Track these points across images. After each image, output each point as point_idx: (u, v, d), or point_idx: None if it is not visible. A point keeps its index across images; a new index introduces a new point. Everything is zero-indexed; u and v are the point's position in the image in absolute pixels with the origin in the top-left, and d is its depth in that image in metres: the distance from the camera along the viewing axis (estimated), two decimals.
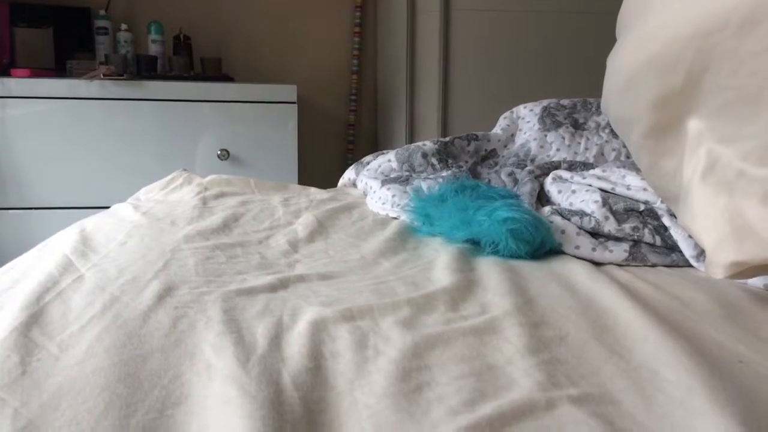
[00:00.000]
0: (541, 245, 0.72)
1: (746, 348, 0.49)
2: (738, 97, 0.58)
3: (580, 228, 0.76)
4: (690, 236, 0.71)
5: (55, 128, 1.76)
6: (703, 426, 0.38)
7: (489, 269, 0.66)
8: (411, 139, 2.13)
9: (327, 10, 2.36)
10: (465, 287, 0.61)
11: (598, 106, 1.17)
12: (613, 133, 1.10)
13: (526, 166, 1.05)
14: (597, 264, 0.72)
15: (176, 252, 0.69)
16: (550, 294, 0.60)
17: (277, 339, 0.48)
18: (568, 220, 0.78)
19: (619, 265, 0.72)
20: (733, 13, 0.57)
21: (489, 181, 1.02)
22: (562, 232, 0.75)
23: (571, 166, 1.00)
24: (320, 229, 0.82)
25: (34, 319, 0.51)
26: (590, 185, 0.85)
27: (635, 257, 0.73)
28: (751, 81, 0.57)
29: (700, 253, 0.71)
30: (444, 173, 1.00)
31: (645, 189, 0.80)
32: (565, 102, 1.21)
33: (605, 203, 0.78)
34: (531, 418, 0.38)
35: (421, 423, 0.38)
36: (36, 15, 1.93)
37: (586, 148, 1.09)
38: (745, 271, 0.56)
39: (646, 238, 0.74)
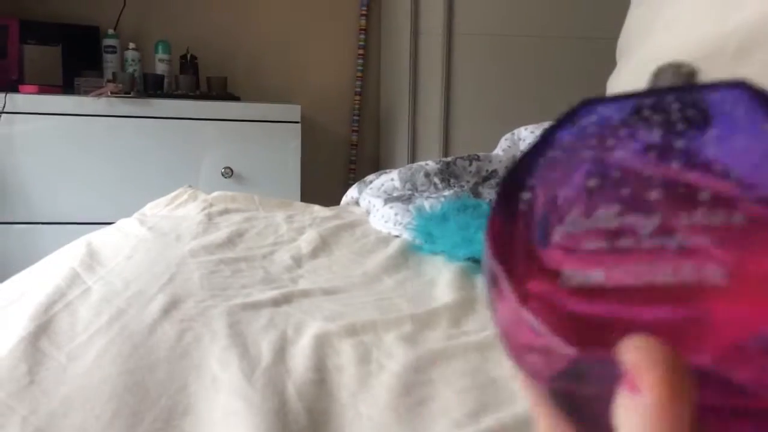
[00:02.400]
0: None
1: None
2: None
3: None
4: None
5: (62, 144, 1.78)
6: None
7: None
8: (412, 159, 2.15)
9: (331, 32, 2.40)
10: (467, 304, 0.61)
11: None
12: None
13: None
14: None
15: (181, 266, 0.70)
16: None
17: (281, 352, 0.49)
18: None
19: None
20: (731, 38, 0.59)
21: (490, 200, 1.03)
22: None
23: None
24: (323, 245, 0.83)
25: (42, 329, 0.52)
26: None
27: None
28: None
29: None
30: (446, 192, 1.01)
31: None
32: None
33: None
34: (533, 431, 0.39)
35: None
36: (45, 33, 1.97)
37: None
38: None
39: None
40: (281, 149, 1.92)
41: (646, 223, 0.16)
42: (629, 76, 0.77)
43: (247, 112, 1.92)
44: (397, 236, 0.90)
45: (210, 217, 0.94)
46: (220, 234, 0.84)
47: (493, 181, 1.16)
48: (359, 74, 2.41)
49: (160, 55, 2.12)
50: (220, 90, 2.07)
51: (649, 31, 0.75)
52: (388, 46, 2.35)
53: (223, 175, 1.88)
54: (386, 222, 0.94)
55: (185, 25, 2.26)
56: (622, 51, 0.86)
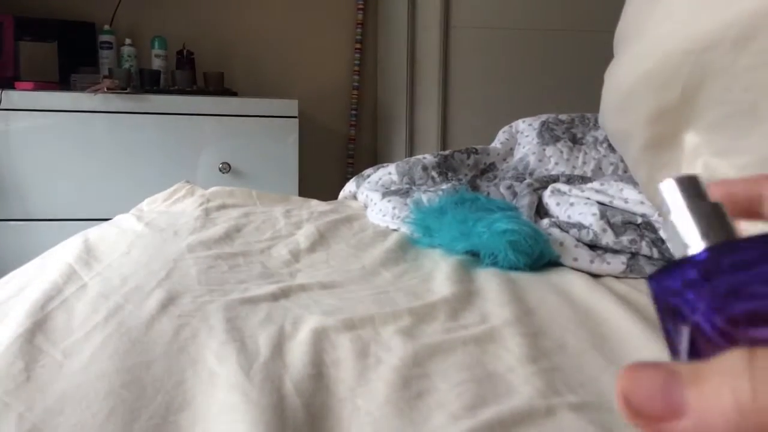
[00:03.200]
0: (539, 257, 0.73)
1: None
2: (733, 111, 0.59)
3: (579, 240, 0.77)
4: None
5: (59, 141, 1.78)
6: None
7: (488, 280, 0.67)
8: (410, 153, 2.14)
9: (328, 27, 2.39)
10: (465, 297, 0.61)
11: (596, 121, 1.18)
12: (611, 148, 1.11)
13: (524, 179, 1.06)
14: (595, 276, 0.73)
15: (179, 261, 0.69)
16: (549, 305, 0.60)
17: (279, 347, 0.49)
18: (567, 232, 0.78)
19: (617, 277, 0.73)
20: (729, 29, 0.58)
21: (488, 193, 1.03)
22: (561, 244, 0.76)
23: (570, 180, 1.01)
24: (321, 239, 0.82)
25: (38, 326, 0.51)
26: (588, 198, 0.85)
27: (633, 269, 0.73)
28: (746, 95, 0.58)
29: None
30: (444, 186, 1.01)
31: (642, 202, 0.81)
32: (563, 117, 1.22)
33: (603, 216, 0.79)
34: (531, 424, 0.39)
35: (422, 428, 0.38)
36: (41, 29, 1.96)
37: (584, 162, 1.10)
38: None
39: (643, 250, 0.75)
40: (279, 144, 1.92)
41: None
42: (626, 67, 0.77)
43: (245, 107, 1.91)
44: (395, 230, 0.89)
45: (207, 213, 0.94)
46: (217, 229, 0.84)
47: (490, 174, 1.16)
48: (356, 69, 2.40)
49: (157, 50, 2.11)
50: (216, 85, 2.07)
51: (645, 22, 0.75)
52: (385, 40, 2.34)
53: (220, 170, 1.88)
54: (384, 216, 0.93)
55: (181, 20, 2.25)
56: (618, 43, 0.86)
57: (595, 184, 0.90)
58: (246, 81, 2.30)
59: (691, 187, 0.19)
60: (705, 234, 0.18)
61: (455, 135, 2.14)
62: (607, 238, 0.76)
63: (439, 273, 0.69)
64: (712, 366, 0.16)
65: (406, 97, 2.13)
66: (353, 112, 2.43)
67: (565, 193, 0.90)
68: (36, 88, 1.79)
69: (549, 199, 0.91)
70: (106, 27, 2.10)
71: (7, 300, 0.59)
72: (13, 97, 1.74)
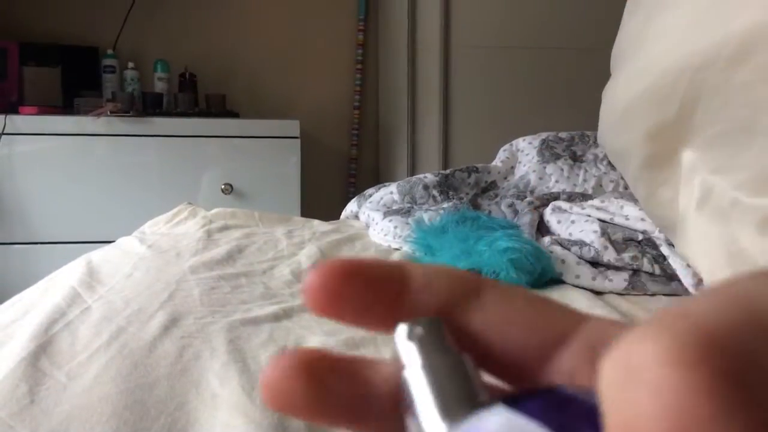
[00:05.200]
0: (541, 275, 0.73)
1: None
2: (730, 128, 0.60)
3: (580, 257, 0.77)
4: (688, 265, 0.72)
5: (62, 164, 1.79)
6: None
7: None
8: (412, 172, 2.15)
9: (329, 48, 2.42)
10: None
11: (596, 139, 1.19)
12: (611, 165, 1.11)
13: (525, 197, 1.06)
14: (597, 293, 0.73)
15: (181, 283, 0.70)
16: None
17: None
18: (568, 249, 0.79)
19: (620, 294, 0.73)
20: (723, 47, 0.59)
21: (489, 212, 1.03)
22: (562, 261, 0.76)
23: (570, 197, 1.02)
24: (324, 259, 0.83)
25: (42, 349, 0.52)
26: (589, 215, 0.86)
27: (635, 286, 0.73)
28: (741, 112, 0.58)
29: (699, 282, 0.71)
30: (445, 205, 1.02)
31: (643, 219, 0.81)
32: (563, 135, 1.23)
33: (604, 233, 0.79)
34: None
35: None
36: (45, 54, 1.98)
37: (585, 180, 1.11)
38: None
39: (645, 267, 0.75)
40: (281, 165, 1.93)
41: None
42: (623, 86, 0.78)
43: (246, 128, 1.92)
44: (396, 249, 0.90)
45: (209, 234, 0.94)
46: (219, 250, 0.84)
47: (491, 193, 1.16)
48: (358, 89, 2.42)
49: (159, 73, 2.14)
50: (218, 107, 2.08)
51: (641, 41, 0.76)
52: (385, 60, 2.37)
53: (222, 191, 1.89)
54: (386, 235, 0.94)
55: (183, 43, 2.27)
56: (615, 61, 0.87)
57: (596, 202, 0.90)
58: (248, 102, 2.32)
59: (430, 335, 0.14)
60: (444, 412, 0.13)
61: (456, 154, 2.15)
62: (609, 255, 0.76)
63: None
64: None
65: (408, 117, 2.14)
66: (355, 131, 2.44)
67: (566, 210, 0.91)
68: (40, 113, 1.81)
69: (550, 216, 0.92)
70: (109, 51, 2.12)
71: (11, 323, 0.59)
72: (17, 121, 1.76)
